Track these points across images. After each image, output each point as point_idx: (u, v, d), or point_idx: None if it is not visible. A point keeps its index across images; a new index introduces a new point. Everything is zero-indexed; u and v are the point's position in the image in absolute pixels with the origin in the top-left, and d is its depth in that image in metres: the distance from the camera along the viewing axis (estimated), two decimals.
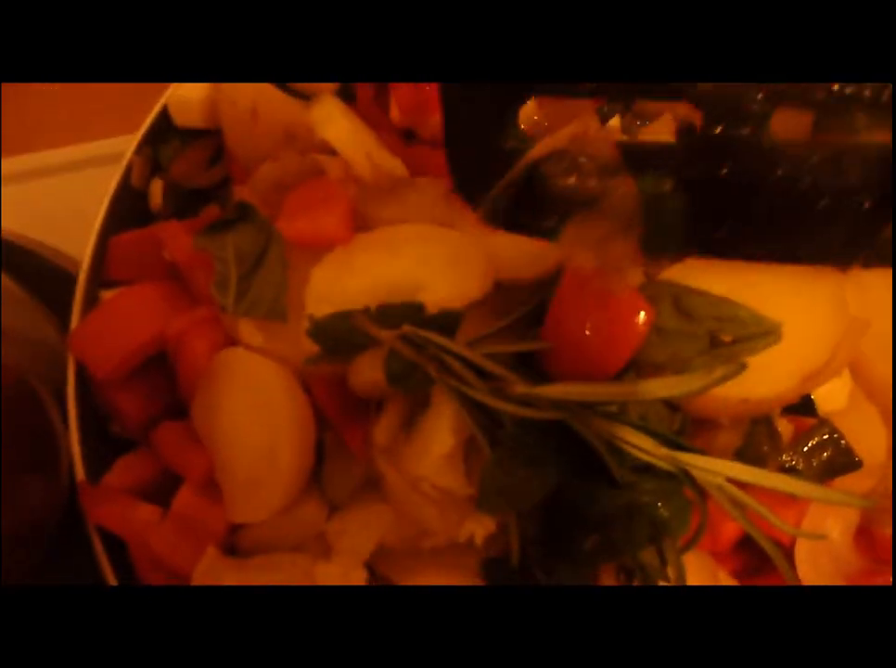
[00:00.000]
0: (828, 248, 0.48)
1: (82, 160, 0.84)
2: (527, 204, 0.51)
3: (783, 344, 0.49)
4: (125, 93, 0.88)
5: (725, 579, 0.58)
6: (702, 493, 0.50)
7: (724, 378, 0.46)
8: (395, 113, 0.63)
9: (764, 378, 0.49)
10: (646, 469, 0.49)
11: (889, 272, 0.63)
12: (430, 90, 0.63)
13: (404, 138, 0.66)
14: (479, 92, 0.50)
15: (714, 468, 0.49)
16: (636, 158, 0.49)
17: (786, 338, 0.49)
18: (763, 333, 0.48)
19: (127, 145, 0.67)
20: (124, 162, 0.64)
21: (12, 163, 0.83)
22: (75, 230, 0.68)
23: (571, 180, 0.49)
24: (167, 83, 0.68)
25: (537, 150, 0.51)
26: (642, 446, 0.49)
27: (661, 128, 0.51)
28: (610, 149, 0.50)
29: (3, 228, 0.71)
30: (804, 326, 0.50)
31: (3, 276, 0.67)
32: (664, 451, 0.49)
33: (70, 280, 0.75)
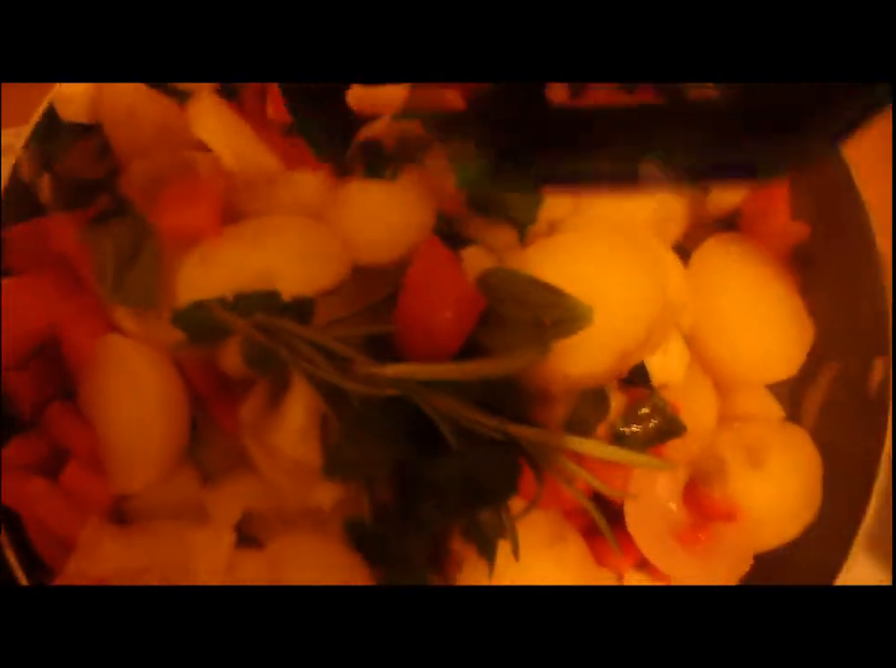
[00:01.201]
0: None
1: None
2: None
3: (601, 325, 0.55)
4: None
5: (573, 536, 0.64)
6: (534, 462, 0.56)
7: (534, 360, 0.51)
8: (272, 110, 0.67)
9: (583, 355, 0.55)
10: (482, 440, 0.55)
11: (729, 251, 0.70)
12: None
13: (284, 133, 0.70)
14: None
15: (540, 438, 0.55)
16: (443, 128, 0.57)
17: (603, 319, 0.55)
18: (577, 318, 0.54)
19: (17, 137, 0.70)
20: (13, 158, 0.67)
21: None
22: None
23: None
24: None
25: (371, 130, 0.58)
26: (475, 419, 0.55)
27: None
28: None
29: None
30: (621, 308, 0.56)
31: None
32: (495, 423, 0.55)
33: None
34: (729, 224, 0.75)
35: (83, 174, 0.72)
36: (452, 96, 0.57)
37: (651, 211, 0.67)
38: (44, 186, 0.70)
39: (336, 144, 0.56)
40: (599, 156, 0.49)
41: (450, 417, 0.54)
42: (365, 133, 0.59)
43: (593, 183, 0.54)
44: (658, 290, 0.57)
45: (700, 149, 0.55)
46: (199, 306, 0.55)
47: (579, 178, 0.52)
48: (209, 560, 0.57)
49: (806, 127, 0.48)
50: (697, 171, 0.56)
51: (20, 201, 0.69)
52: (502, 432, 0.55)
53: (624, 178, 0.51)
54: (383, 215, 0.61)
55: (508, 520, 0.56)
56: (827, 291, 0.72)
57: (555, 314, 0.54)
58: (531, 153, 0.49)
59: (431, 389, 0.54)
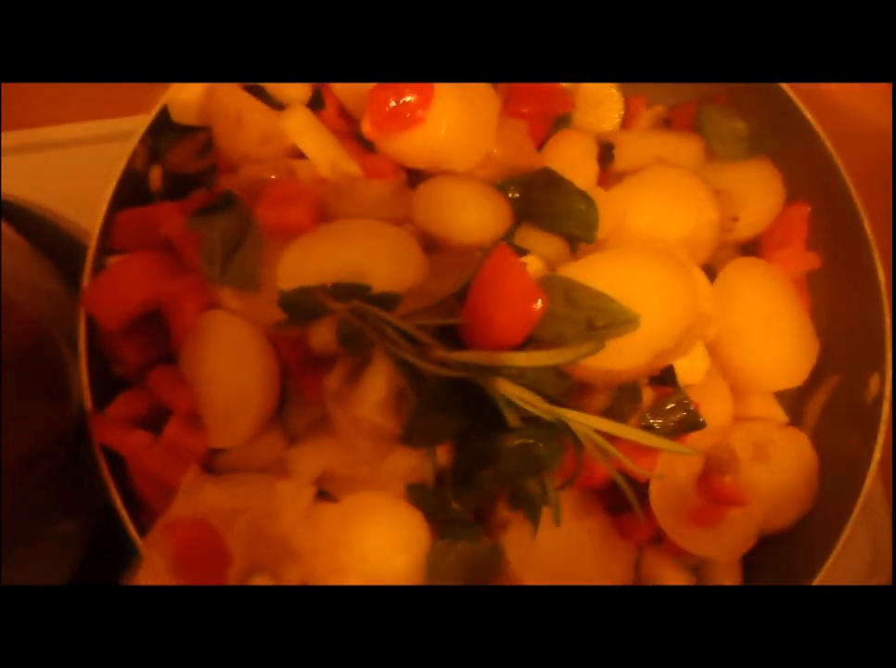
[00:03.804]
0: None
1: (95, 136, 0.97)
2: None
3: (640, 330, 0.64)
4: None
5: (599, 511, 0.73)
6: (577, 441, 0.66)
7: (588, 354, 0.61)
8: (366, 126, 0.74)
9: (624, 354, 0.64)
10: (533, 420, 0.65)
11: (752, 272, 0.80)
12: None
13: (363, 146, 0.79)
14: None
15: (584, 421, 0.65)
16: None
17: (643, 325, 0.65)
18: (626, 322, 0.63)
19: (133, 125, 0.78)
20: (129, 151, 0.76)
21: (32, 134, 0.95)
22: (81, 200, 0.80)
23: None
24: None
25: None
26: (530, 402, 0.64)
27: None
28: None
29: (22, 197, 0.83)
30: (659, 317, 0.65)
31: (20, 238, 0.79)
32: (547, 406, 0.64)
33: (74, 243, 0.88)
34: (748, 249, 0.85)
35: (183, 169, 0.81)
36: None
37: (688, 231, 0.77)
38: (154, 177, 0.79)
39: None
40: None
41: (508, 398, 0.64)
42: None
43: None
44: (692, 301, 0.67)
45: None
46: (303, 291, 0.64)
47: None
48: (292, 508, 0.65)
49: None
50: None
51: (132, 189, 0.78)
52: (552, 414, 0.64)
53: None
54: (463, 208, 0.71)
55: (552, 490, 0.66)
56: (831, 313, 0.82)
57: (606, 318, 0.64)
58: None
59: (494, 373, 0.64)
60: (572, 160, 0.79)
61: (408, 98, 0.70)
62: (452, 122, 0.72)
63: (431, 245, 0.71)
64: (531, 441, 0.64)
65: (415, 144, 0.72)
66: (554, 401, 0.64)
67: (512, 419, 0.63)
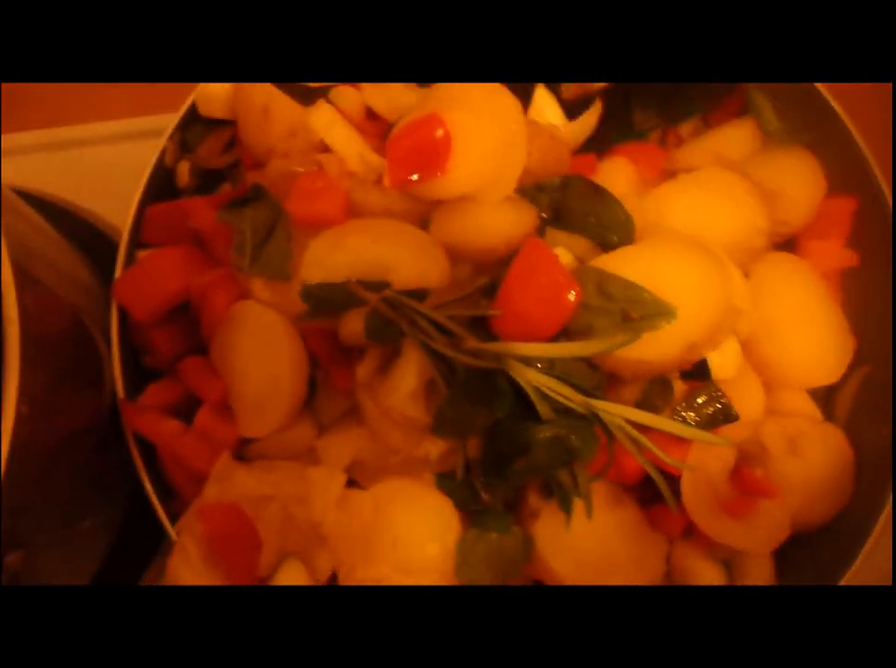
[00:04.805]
0: None
1: (125, 133, 0.98)
2: None
3: (673, 321, 0.64)
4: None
5: (630, 504, 0.72)
6: (609, 432, 0.65)
7: (623, 344, 0.61)
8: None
9: (656, 345, 0.64)
10: (565, 411, 0.64)
11: (784, 268, 0.79)
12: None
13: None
14: None
15: (616, 412, 0.64)
16: None
17: (676, 316, 0.64)
18: (661, 313, 0.63)
19: (158, 124, 0.79)
20: (161, 146, 0.76)
21: (64, 132, 0.96)
22: (112, 197, 0.81)
23: None
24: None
25: None
26: (562, 393, 0.64)
27: None
28: None
29: (54, 194, 0.84)
30: (692, 309, 0.64)
31: (56, 232, 0.80)
32: (579, 397, 0.64)
33: (105, 239, 0.89)
34: (781, 245, 0.84)
35: (210, 164, 0.81)
36: None
37: (741, 237, 0.74)
38: (182, 172, 0.80)
39: None
40: None
41: (540, 389, 0.64)
42: None
43: None
44: (724, 294, 0.66)
45: None
46: (329, 286, 0.65)
47: None
48: (323, 494, 0.65)
49: None
50: None
51: (161, 185, 0.78)
52: (584, 405, 0.64)
53: None
54: (482, 219, 0.69)
55: (584, 481, 0.65)
56: (862, 306, 0.81)
57: (641, 310, 0.63)
58: None
59: (526, 365, 0.64)
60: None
61: (432, 139, 0.67)
62: (473, 168, 0.68)
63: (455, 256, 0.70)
64: (562, 432, 0.63)
65: (439, 191, 0.69)
66: (585, 392, 0.64)
67: (544, 411, 0.63)
